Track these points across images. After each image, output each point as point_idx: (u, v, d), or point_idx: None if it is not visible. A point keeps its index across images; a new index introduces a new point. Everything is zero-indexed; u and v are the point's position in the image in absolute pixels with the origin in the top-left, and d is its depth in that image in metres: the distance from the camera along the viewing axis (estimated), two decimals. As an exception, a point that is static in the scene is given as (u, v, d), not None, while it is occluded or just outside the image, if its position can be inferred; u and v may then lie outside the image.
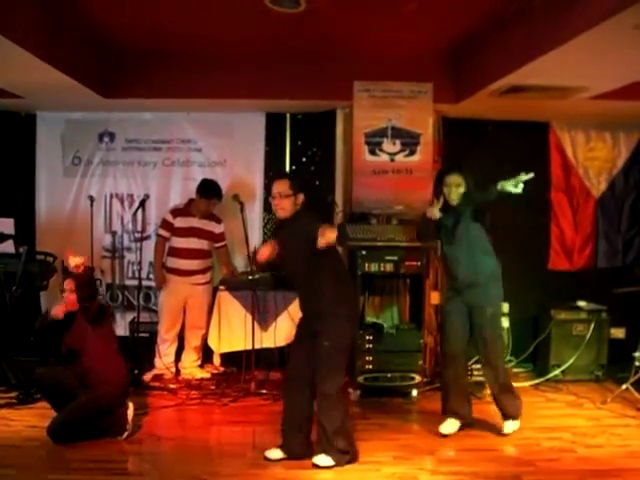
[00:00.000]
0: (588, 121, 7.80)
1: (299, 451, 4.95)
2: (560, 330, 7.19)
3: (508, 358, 7.64)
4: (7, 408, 5.97)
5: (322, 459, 4.81)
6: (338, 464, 4.80)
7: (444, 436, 5.45)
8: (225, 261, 7.33)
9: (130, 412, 5.37)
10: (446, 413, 5.57)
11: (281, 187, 4.91)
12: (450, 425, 5.48)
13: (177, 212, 7.07)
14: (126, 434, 5.29)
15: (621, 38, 4.54)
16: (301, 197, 4.92)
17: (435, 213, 5.52)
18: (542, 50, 5.10)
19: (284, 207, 4.90)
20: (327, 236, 4.58)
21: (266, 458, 4.92)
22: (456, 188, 5.45)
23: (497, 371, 5.50)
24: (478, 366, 6.43)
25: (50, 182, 7.79)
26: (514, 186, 4.94)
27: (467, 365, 5.59)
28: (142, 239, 7.44)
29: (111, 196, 7.81)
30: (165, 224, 7.07)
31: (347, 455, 4.86)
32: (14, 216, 6.90)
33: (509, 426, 5.51)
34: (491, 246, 5.54)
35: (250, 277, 6.70)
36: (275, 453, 4.95)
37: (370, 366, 6.46)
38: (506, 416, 5.54)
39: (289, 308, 6.80)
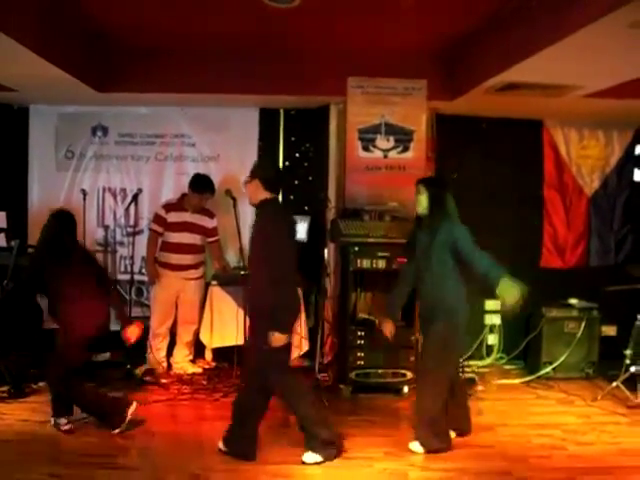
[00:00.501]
0: (582, 119, 7.81)
1: (236, 450, 4.93)
2: (551, 328, 7.21)
3: (499, 355, 7.68)
4: (-2, 402, 5.98)
5: (309, 456, 4.83)
6: (327, 459, 4.81)
7: None
8: (217, 256, 7.32)
9: (131, 410, 5.38)
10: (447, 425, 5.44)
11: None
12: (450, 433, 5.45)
13: (170, 207, 7.06)
14: (118, 430, 5.30)
15: (616, 36, 4.54)
16: (255, 182, 4.88)
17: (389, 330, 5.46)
18: (537, 48, 5.09)
19: (248, 194, 4.98)
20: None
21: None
22: (417, 196, 5.28)
23: (420, 398, 5.23)
24: (471, 362, 6.44)
25: (43, 176, 7.76)
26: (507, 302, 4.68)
27: (460, 383, 5.56)
28: (134, 233, 7.44)
29: (104, 190, 7.79)
30: (158, 219, 7.06)
31: (333, 446, 4.89)
32: (6, 209, 6.89)
33: (415, 446, 5.13)
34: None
35: (242, 272, 6.68)
36: (220, 444, 5.02)
37: (361, 362, 6.46)
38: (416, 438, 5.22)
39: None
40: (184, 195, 7.11)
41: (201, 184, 7.01)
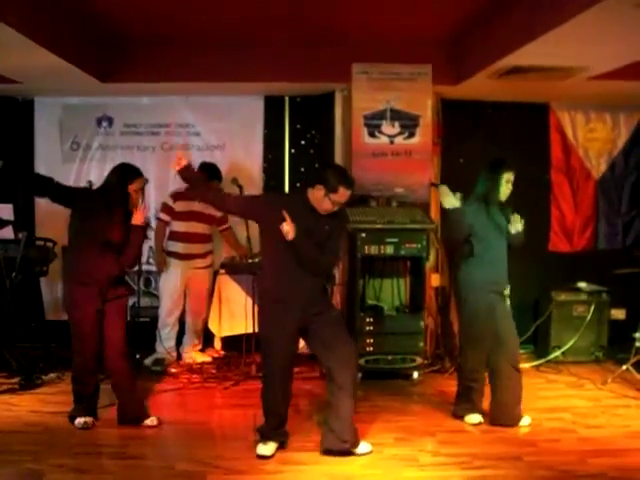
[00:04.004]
0: (588, 102, 7.79)
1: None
2: (560, 312, 7.20)
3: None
4: (9, 394, 5.98)
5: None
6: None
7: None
8: (233, 243, 7.31)
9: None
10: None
11: (349, 195, 4.70)
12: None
13: (177, 196, 7.04)
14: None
15: (621, 17, 4.52)
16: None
17: (454, 202, 5.25)
18: (542, 30, 5.07)
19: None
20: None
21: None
22: (508, 184, 5.33)
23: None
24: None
25: (49, 167, 7.70)
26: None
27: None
28: (142, 223, 7.43)
29: (110, 181, 7.79)
30: (165, 208, 7.05)
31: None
32: (13, 202, 6.89)
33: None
34: None
35: (250, 260, 6.68)
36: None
37: (371, 348, 6.47)
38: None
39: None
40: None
41: (208, 172, 6.99)
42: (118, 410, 5.31)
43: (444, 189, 5.31)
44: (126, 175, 5.18)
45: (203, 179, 5.61)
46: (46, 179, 5.26)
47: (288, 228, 4.45)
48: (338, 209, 4.73)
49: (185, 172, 4.84)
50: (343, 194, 4.58)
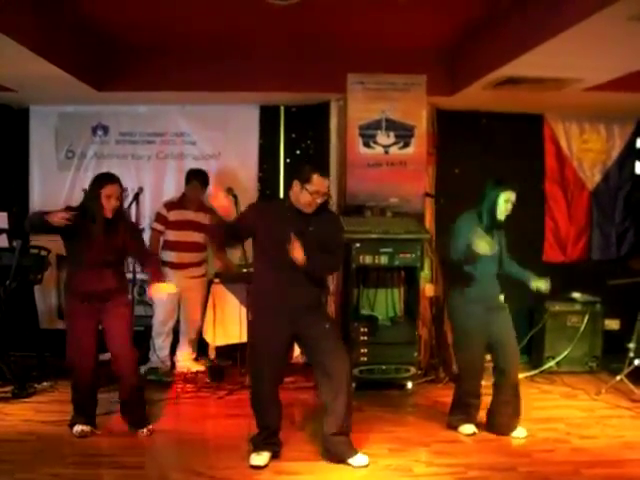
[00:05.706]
0: (582, 113, 7.81)
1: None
2: (555, 322, 7.22)
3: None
4: (2, 402, 5.96)
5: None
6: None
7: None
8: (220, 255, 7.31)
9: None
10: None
11: (327, 185, 4.74)
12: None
13: (171, 205, 7.05)
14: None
15: (615, 29, 4.54)
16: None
17: (484, 248, 5.05)
18: (536, 42, 5.09)
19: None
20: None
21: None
22: (510, 205, 5.25)
23: None
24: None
25: (44, 176, 7.77)
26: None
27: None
28: (136, 232, 7.43)
29: (105, 190, 7.77)
30: (159, 218, 7.05)
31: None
32: (8, 210, 6.89)
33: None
34: None
35: (245, 270, 6.67)
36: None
37: (365, 358, 6.47)
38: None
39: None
40: (185, 194, 7.11)
41: (188, 175, 7.03)
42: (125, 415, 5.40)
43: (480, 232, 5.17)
44: (97, 183, 5.20)
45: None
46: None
47: (297, 254, 4.52)
48: (328, 209, 4.82)
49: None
50: (318, 182, 4.62)
